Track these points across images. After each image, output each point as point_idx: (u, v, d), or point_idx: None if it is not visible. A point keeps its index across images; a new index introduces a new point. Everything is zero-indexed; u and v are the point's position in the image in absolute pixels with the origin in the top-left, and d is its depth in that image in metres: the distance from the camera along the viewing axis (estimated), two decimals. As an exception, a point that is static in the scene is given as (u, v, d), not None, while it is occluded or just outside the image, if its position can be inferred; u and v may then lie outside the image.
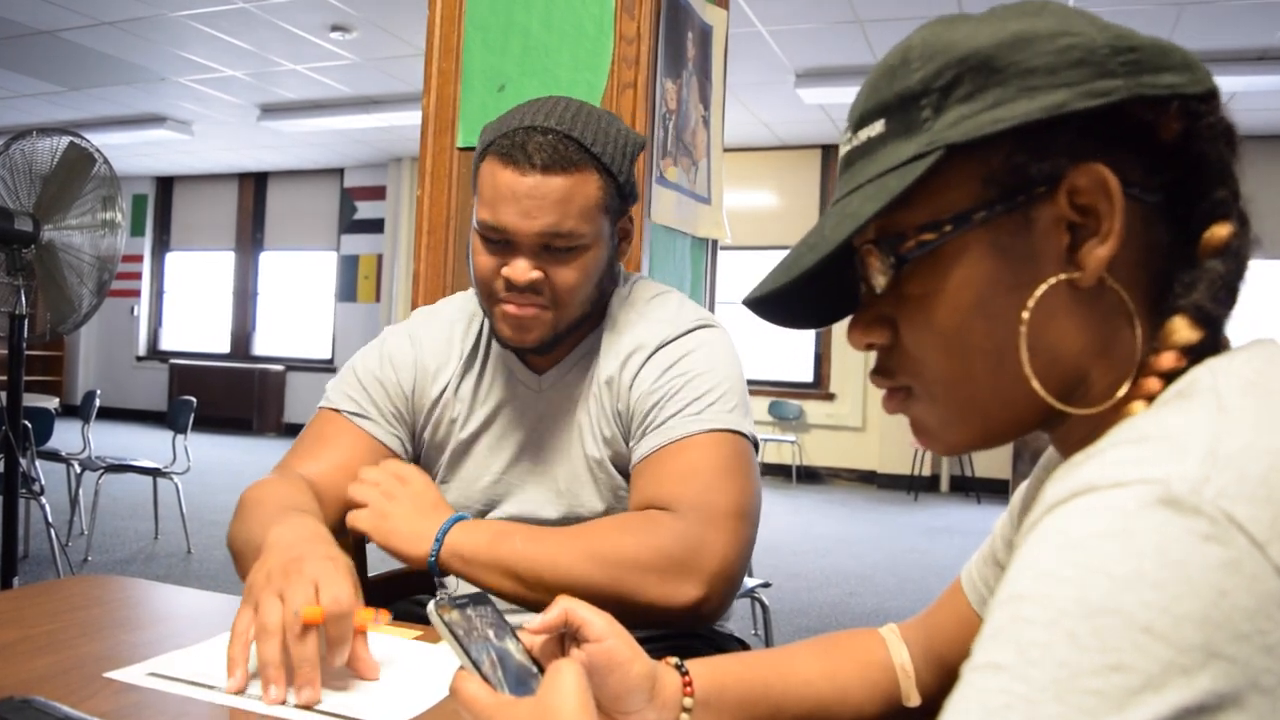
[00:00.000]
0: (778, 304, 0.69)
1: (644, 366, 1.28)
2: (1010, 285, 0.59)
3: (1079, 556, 0.44)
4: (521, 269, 1.21)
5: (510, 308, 1.24)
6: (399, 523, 1.16)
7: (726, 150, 2.48)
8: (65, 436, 5.84)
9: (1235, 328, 0.61)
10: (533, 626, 0.78)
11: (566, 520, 1.30)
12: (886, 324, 0.64)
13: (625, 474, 1.30)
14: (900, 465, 8.96)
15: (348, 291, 11.55)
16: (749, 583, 3.11)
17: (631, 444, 1.28)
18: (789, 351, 9.52)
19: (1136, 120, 0.58)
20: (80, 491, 5.36)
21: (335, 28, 6.61)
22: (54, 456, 5.42)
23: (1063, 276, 0.58)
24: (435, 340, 1.38)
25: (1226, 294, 0.58)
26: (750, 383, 1.34)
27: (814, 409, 9.39)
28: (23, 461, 3.36)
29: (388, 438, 1.34)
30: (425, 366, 1.37)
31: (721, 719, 0.82)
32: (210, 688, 0.87)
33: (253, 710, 0.84)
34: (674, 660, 0.84)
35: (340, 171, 11.63)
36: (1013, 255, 0.59)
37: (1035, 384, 0.59)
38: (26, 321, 3.20)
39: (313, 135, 9.72)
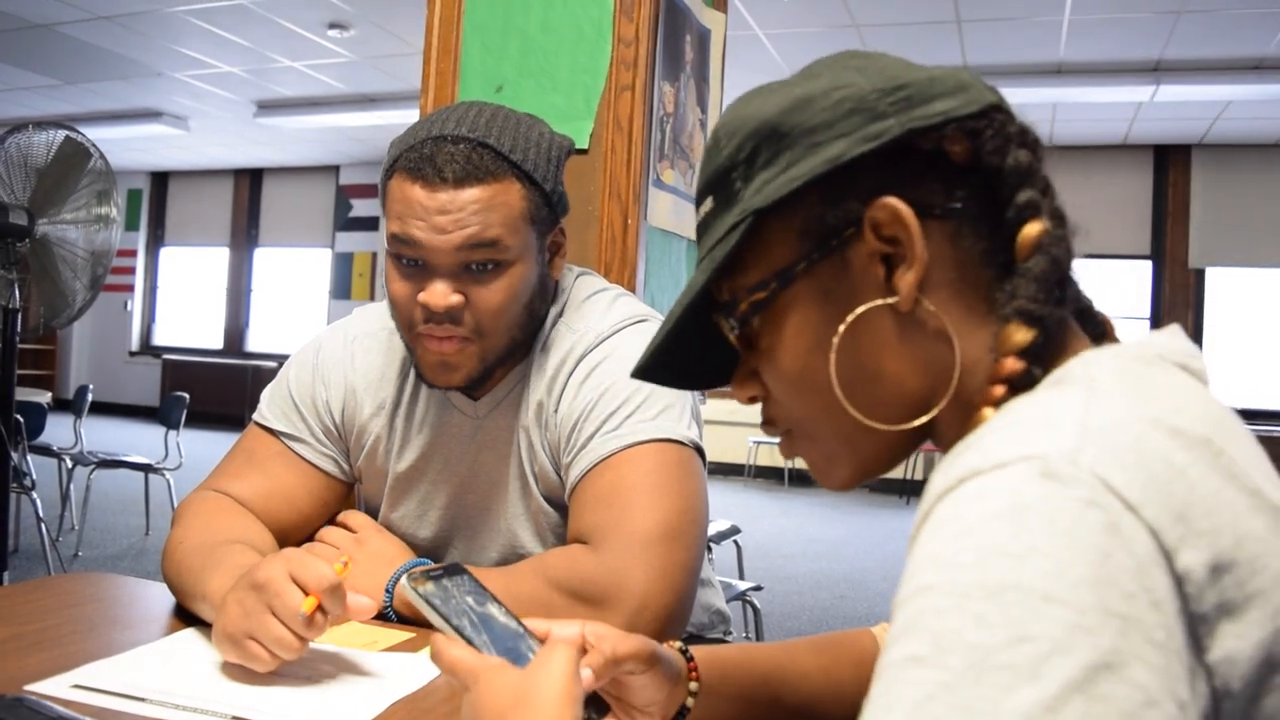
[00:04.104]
0: (671, 373, 0.76)
1: (566, 386, 1.19)
2: (839, 324, 0.64)
3: (974, 540, 0.45)
4: (439, 293, 1.09)
5: (431, 343, 1.13)
6: (355, 581, 1.11)
7: (723, 154, 2.48)
8: (57, 431, 5.83)
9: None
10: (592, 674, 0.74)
11: (505, 561, 1.23)
12: (756, 378, 0.70)
13: (563, 509, 1.20)
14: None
15: (342, 289, 11.53)
16: (739, 586, 3.11)
17: (562, 475, 1.19)
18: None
19: (921, 150, 0.63)
20: (71, 486, 5.36)
21: (333, 25, 6.60)
22: (45, 451, 5.41)
23: (877, 302, 0.63)
24: (370, 364, 1.28)
25: (1057, 287, 0.60)
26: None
27: (807, 412, 9.32)
28: (14, 456, 3.35)
29: (321, 460, 1.27)
30: (354, 389, 1.28)
31: (722, 705, 0.84)
32: (139, 699, 0.84)
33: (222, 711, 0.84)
34: (679, 645, 0.85)
35: (336, 169, 11.61)
36: (837, 295, 0.64)
37: (847, 404, 0.64)
38: (19, 315, 3.19)
39: (309, 132, 9.70)
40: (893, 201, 0.61)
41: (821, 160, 0.62)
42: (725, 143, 0.67)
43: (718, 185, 0.68)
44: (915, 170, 0.63)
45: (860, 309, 0.63)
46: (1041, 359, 0.58)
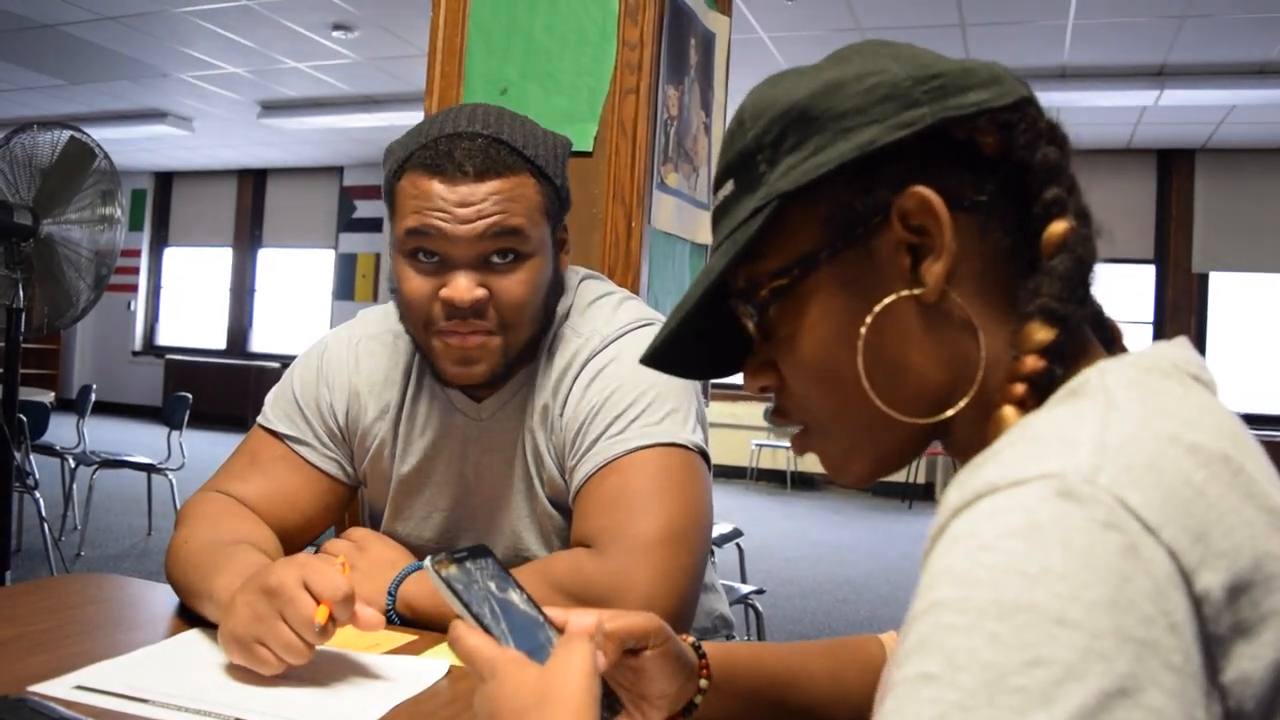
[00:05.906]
0: (679, 360, 0.74)
1: (572, 389, 1.19)
2: (863, 313, 0.62)
3: (990, 558, 0.45)
4: (464, 287, 1.09)
5: (453, 339, 1.12)
6: (358, 586, 1.10)
7: (727, 157, 2.48)
8: (60, 431, 5.83)
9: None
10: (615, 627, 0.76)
11: (509, 563, 1.21)
12: (771, 368, 0.69)
13: (568, 513, 1.20)
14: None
15: (345, 290, 11.54)
16: (742, 589, 3.11)
17: (567, 478, 1.19)
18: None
19: (953, 140, 0.62)
20: (74, 486, 5.36)
21: (337, 26, 6.61)
22: (48, 451, 5.42)
23: (904, 293, 0.61)
24: (374, 367, 1.28)
25: (1080, 287, 0.59)
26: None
27: (810, 415, 9.30)
28: (17, 455, 3.36)
29: (325, 463, 1.27)
30: (358, 392, 1.27)
31: (729, 702, 0.84)
32: (142, 700, 0.84)
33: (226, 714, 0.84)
34: (691, 640, 0.85)
35: (340, 170, 11.62)
36: (861, 285, 0.63)
37: (873, 395, 0.62)
38: (23, 315, 3.19)
39: (313, 133, 9.71)
40: (924, 191, 0.60)
41: (852, 146, 0.61)
42: (751, 124, 0.65)
43: (740, 167, 0.66)
44: (945, 161, 0.62)
45: (888, 299, 0.62)
46: (1062, 358, 0.58)
